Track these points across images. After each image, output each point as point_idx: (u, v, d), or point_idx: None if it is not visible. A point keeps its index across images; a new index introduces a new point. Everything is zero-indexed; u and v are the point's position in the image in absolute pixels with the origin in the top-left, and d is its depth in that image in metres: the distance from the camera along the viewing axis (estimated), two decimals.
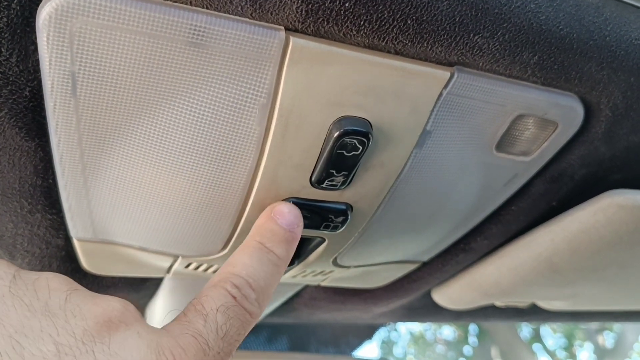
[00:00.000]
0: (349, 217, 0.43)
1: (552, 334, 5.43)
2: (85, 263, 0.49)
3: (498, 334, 4.92)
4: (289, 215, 0.37)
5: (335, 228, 0.43)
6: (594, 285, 0.65)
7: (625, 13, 0.38)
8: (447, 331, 5.55)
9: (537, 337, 5.28)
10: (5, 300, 0.26)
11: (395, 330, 5.50)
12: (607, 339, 5.20)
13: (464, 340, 5.45)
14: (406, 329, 5.49)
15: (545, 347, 5.33)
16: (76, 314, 0.27)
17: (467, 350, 5.51)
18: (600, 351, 5.20)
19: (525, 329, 5.08)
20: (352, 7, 0.30)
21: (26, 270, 0.29)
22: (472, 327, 5.23)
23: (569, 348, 5.45)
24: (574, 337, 5.41)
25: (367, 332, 1.58)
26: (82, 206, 0.40)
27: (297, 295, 0.75)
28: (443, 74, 0.35)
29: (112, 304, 0.28)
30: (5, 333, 0.25)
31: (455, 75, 0.35)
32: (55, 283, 0.28)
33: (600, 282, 0.63)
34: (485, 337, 5.20)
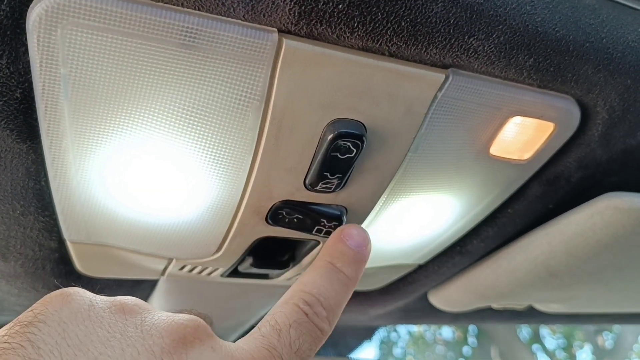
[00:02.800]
0: (344, 221, 0.42)
1: (551, 335, 5.42)
2: (79, 265, 0.49)
3: (497, 334, 4.92)
4: (357, 237, 0.38)
5: (328, 233, 0.43)
6: (591, 288, 0.65)
7: (622, 15, 0.37)
8: (447, 332, 5.55)
9: (536, 338, 5.27)
10: (86, 324, 0.27)
11: (395, 330, 5.50)
12: (606, 340, 5.20)
13: (464, 340, 5.45)
14: (405, 329, 5.49)
15: (544, 348, 5.33)
16: (153, 333, 0.28)
17: (466, 350, 5.51)
18: (599, 352, 5.20)
19: (524, 330, 5.07)
20: (346, 9, 0.30)
21: (100, 295, 0.31)
22: (472, 328, 5.23)
23: (568, 349, 5.45)
24: (573, 338, 5.40)
25: (366, 333, 1.58)
26: (75, 209, 0.39)
27: None
28: (438, 76, 0.35)
29: (184, 322, 0.29)
30: (91, 356, 0.26)
31: (450, 78, 0.35)
32: (129, 306, 0.30)
33: (598, 284, 0.63)
34: (484, 338, 5.20)
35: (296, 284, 0.35)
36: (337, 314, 0.35)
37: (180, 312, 0.33)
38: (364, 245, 0.38)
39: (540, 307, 0.79)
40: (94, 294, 0.30)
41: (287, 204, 0.40)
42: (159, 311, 0.31)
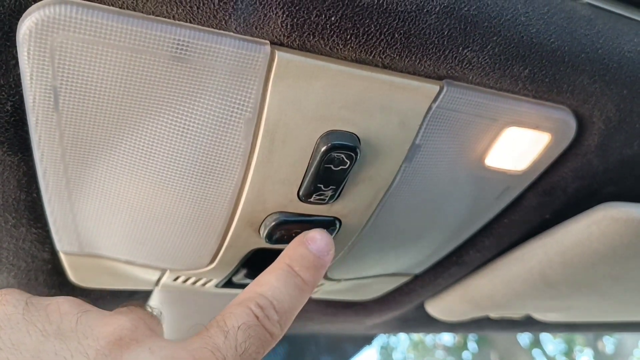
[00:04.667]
0: (337, 228, 0.42)
1: (552, 340, 5.41)
2: (72, 276, 0.48)
3: (497, 340, 4.91)
4: (320, 242, 0.37)
5: None
6: (588, 298, 0.64)
7: (618, 25, 0.37)
8: (447, 337, 5.54)
9: (536, 343, 5.26)
10: (19, 327, 0.27)
11: (395, 335, 5.48)
12: (607, 345, 5.19)
13: (464, 346, 5.44)
14: (405, 334, 5.48)
15: (544, 353, 5.32)
16: (88, 335, 0.28)
17: (466, 355, 5.50)
18: (600, 357, 5.19)
19: (525, 335, 5.06)
20: (338, 21, 0.30)
21: (38, 296, 0.30)
22: (472, 333, 5.21)
23: (569, 353, 5.43)
24: (574, 343, 5.39)
25: (366, 338, 1.58)
26: (67, 220, 0.39)
27: None
28: (432, 87, 0.34)
29: (122, 323, 0.29)
30: (22, 359, 0.26)
31: (445, 89, 0.35)
32: (66, 306, 0.29)
33: (595, 294, 0.63)
34: (484, 343, 5.19)
35: (251, 285, 0.35)
36: (290, 318, 0.34)
37: (125, 305, 0.32)
38: (325, 251, 0.37)
39: (537, 316, 0.79)
40: (32, 295, 0.30)
41: (282, 224, 0.40)
42: (96, 311, 0.30)
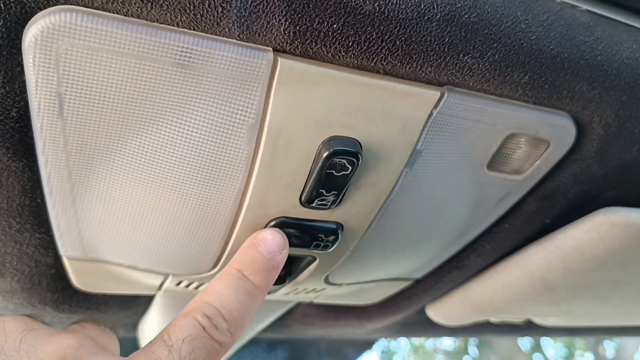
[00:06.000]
0: (340, 236, 0.42)
1: (552, 344, 5.40)
2: (75, 281, 0.48)
3: (498, 344, 4.90)
4: (271, 243, 0.37)
5: (326, 247, 0.43)
6: (588, 302, 0.64)
7: (617, 32, 0.37)
8: (448, 341, 5.52)
9: (537, 347, 5.25)
10: None
11: (396, 339, 5.47)
12: (607, 349, 5.17)
13: (464, 350, 5.43)
14: (406, 338, 5.46)
15: (545, 357, 5.30)
16: (31, 354, 0.28)
17: None
18: None
19: (525, 339, 5.05)
20: (340, 28, 0.30)
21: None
22: (472, 337, 5.20)
23: (569, 358, 5.42)
24: (574, 347, 5.38)
25: (366, 342, 1.57)
26: (71, 225, 0.39)
27: (290, 311, 0.74)
28: (433, 93, 0.35)
29: (66, 342, 0.29)
30: None
31: (446, 95, 0.35)
32: (11, 325, 0.29)
33: (595, 299, 0.63)
34: (485, 347, 5.18)
35: (200, 294, 0.34)
36: (242, 325, 0.33)
37: (76, 322, 0.32)
38: (277, 252, 0.36)
39: (538, 320, 0.79)
40: None
41: (283, 225, 0.40)
42: (43, 329, 0.30)
